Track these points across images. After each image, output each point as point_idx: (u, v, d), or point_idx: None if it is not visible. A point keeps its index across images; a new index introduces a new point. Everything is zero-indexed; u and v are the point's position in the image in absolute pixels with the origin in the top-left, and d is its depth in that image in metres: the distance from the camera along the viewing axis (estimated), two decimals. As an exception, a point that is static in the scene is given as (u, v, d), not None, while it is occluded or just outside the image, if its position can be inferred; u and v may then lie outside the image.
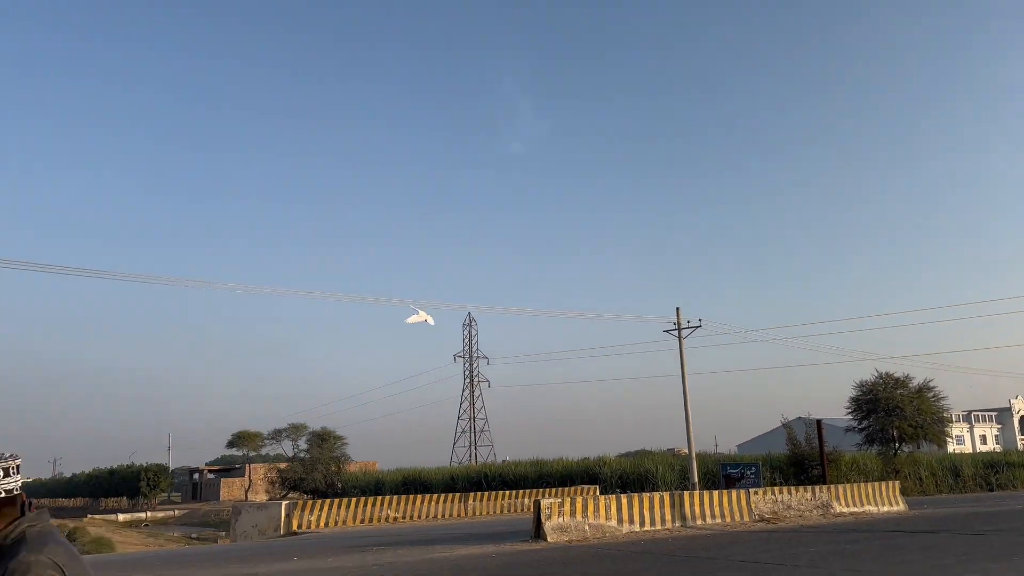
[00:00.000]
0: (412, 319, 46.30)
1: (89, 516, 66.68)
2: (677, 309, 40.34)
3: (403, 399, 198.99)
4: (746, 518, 20.99)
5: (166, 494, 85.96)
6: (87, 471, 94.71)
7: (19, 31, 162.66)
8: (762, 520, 20.95)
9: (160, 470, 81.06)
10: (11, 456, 2.35)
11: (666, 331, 40.40)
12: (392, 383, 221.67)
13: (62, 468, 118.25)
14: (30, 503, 2.41)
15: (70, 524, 42.69)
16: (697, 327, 40.04)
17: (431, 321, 47.45)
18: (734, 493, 21.73)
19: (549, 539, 17.25)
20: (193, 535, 44.16)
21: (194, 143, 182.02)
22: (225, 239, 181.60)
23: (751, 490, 22.37)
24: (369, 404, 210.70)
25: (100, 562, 20.12)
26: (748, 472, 30.86)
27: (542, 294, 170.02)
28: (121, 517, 67.06)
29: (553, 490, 35.62)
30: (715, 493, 21.41)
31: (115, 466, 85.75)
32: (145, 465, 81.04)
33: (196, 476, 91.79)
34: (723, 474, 32.23)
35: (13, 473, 2.33)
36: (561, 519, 17.99)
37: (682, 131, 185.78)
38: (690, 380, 38.94)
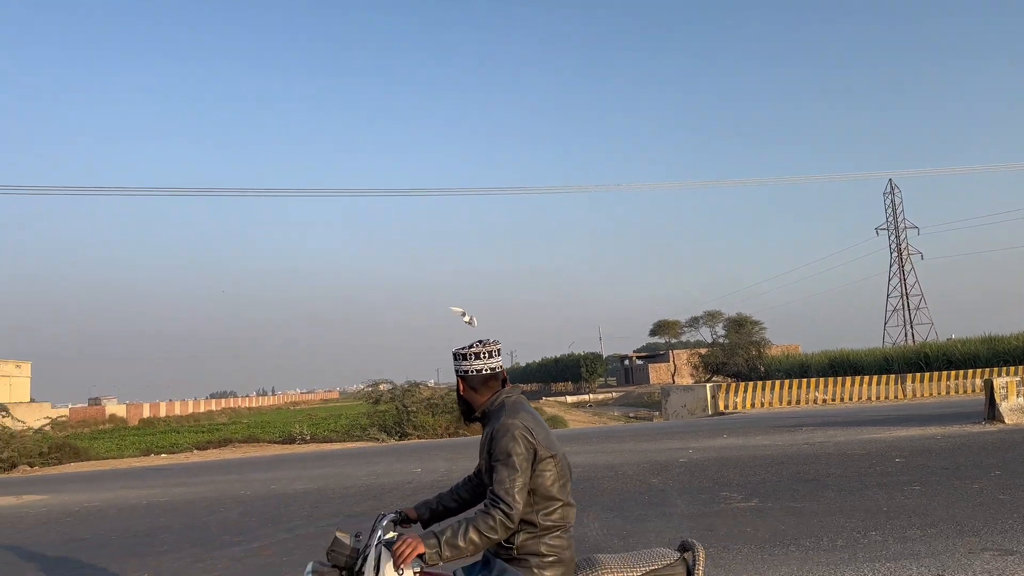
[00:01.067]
0: (473, 320, 46.26)
1: (544, 398, 77.45)
2: None
3: (822, 279, 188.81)
4: None
5: (602, 379, 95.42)
6: (537, 360, 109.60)
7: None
8: None
9: (595, 358, 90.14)
10: (494, 341, 3.09)
11: None
12: (809, 263, 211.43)
13: (518, 359, 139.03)
14: (507, 379, 3.15)
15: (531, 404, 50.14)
16: None
17: (475, 323, 47.32)
18: None
19: (1006, 421, 15.37)
20: (630, 414, 48.59)
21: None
22: (627, 144, 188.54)
23: None
24: (785, 287, 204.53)
25: (559, 434, 23.52)
26: None
27: (974, 151, 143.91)
28: (569, 399, 76.67)
29: (1011, 368, 31.13)
30: None
31: (559, 356, 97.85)
32: (582, 354, 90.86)
33: (626, 362, 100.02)
34: None
35: (495, 355, 3.08)
36: (1021, 399, 15.84)
37: None
38: None
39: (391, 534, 2.83)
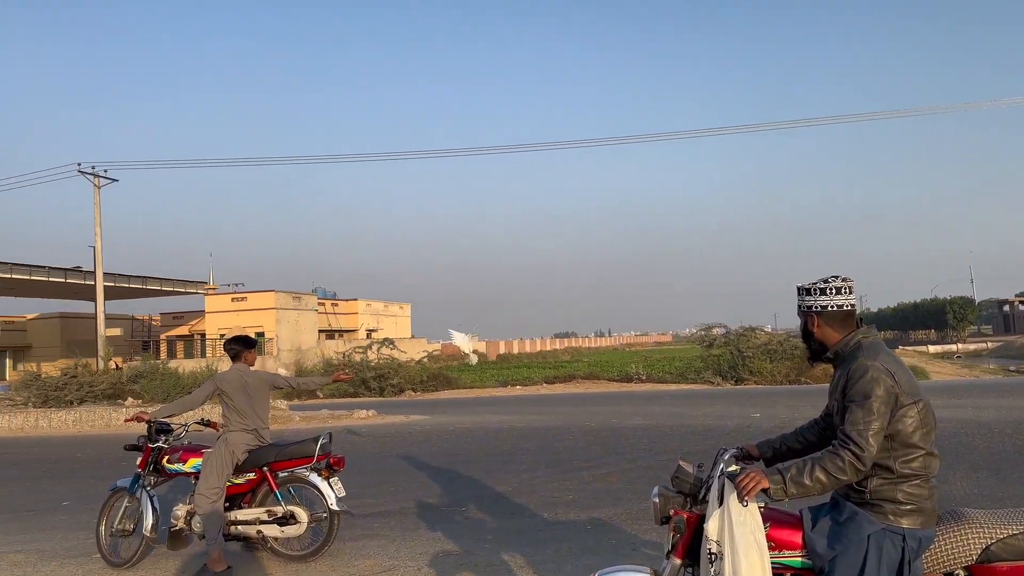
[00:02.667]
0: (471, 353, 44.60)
1: (900, 347, 70.15)
2: None
3: None
4: None
5: (974, 326, 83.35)
6: (892, 306, 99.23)
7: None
8: None
9: (965, 303, 78.89)
10: (847, 279, 2.92)
11: None
12: None
13: (868, 303, 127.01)
14: (861, 319, 2.97)
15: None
16: None
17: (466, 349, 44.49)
18: None
19: None
20: (1011, 367, 42.02)
21: None
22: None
23: None
24: None
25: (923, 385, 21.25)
26: None
27: None
28: (931, 348, 68.39)
29: None
30: None
31: (918, 300, 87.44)
32: (949, 298, 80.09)
33: (1006, 308, 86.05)
34: None
35: (852, 292, 2.90)
36: None
37: None
38: None
39: (734, 467, 2.89)
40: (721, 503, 2.76)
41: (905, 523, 2.65)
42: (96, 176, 36.90)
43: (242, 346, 5.96)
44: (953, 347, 68.89)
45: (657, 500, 2.99)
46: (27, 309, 57.05)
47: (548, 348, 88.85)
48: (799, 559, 2.77)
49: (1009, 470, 7.65)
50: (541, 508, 7.08)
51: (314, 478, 5.68)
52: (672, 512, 2.95)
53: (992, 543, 2.62)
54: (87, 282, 41.86)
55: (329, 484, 5.65)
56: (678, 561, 2.92)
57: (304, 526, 5.60)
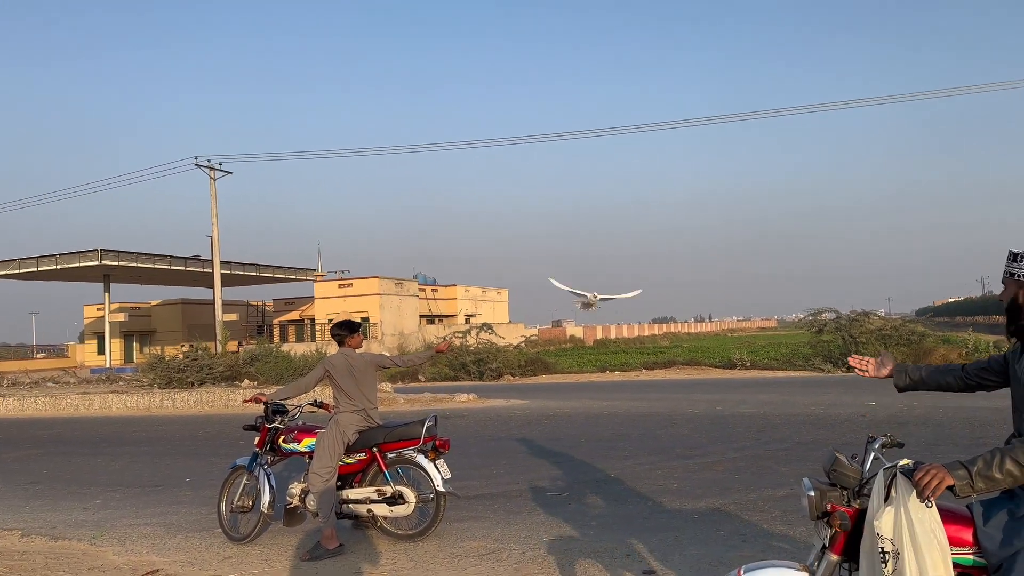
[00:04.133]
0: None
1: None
2: None
3: None
4: None
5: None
6: None
7: None
8: None
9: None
10: None
11: None
12: None
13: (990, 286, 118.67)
14: None
15: None
16: None
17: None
18: None
19: None
20: None
21: None
22: None
23: None
24: None
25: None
26: None
27: None
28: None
29: None
30: None
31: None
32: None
33: None
34: None
35: None
36: None
37: None
38: None
39: (905, 461, 2.66)
40: (887, 498, 2.56)
41: None
42: (212, 169, 38.82)
43: (346, 331, 6.12)
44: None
45: (812, 494, 2.77)
46: (151, 296, 61.02)
47: (646, 333, 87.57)
48: (970, 556, 2.54)
49: None
50: (646, 495, 6.96)
51: (421, 459, 5.77)
52: (830, 507, 2.76)
53: None
54: (205, 270, 44.24)
55: (435, 466, 5.73)
56: (835, 558, 2.73)
57: (412, 506, 5.71)
